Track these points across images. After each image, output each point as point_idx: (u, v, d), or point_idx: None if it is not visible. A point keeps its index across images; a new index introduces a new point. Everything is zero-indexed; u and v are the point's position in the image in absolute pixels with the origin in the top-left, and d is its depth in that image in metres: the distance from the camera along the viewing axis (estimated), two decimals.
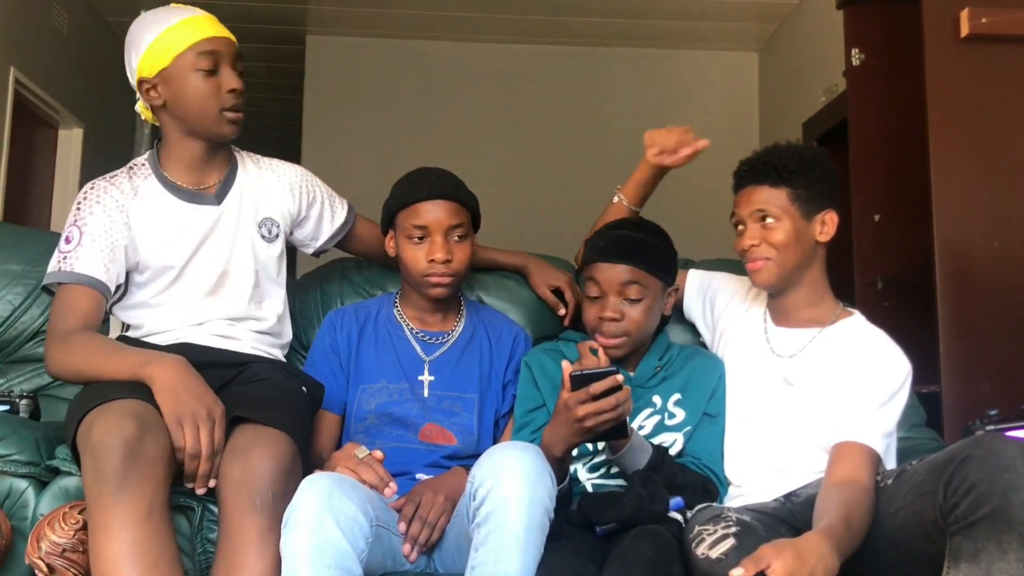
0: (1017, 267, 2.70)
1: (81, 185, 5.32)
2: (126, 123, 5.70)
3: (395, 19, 5.37)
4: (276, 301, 1.95)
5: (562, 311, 2.15)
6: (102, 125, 5.27)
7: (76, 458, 1.54)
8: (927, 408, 2.23)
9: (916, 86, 2.78)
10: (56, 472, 1.58)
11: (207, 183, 1.88)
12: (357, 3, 5.19)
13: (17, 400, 1.87)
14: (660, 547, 1.55)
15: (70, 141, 4.96)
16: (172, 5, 1.89)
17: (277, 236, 1.95)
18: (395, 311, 2.01)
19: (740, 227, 1.86)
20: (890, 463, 1.74)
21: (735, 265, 2.15)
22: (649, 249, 1.89)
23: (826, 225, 1.85)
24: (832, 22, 3.83)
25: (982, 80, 2.73)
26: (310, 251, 2.10)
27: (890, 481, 1.58)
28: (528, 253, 2.25)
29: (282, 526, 1.45)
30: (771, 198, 1.82)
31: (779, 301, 1.90)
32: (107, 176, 1.85)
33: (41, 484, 1.57)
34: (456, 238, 1.89)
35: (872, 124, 3.54)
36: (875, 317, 1.94)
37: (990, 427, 1.89)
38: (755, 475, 1.80)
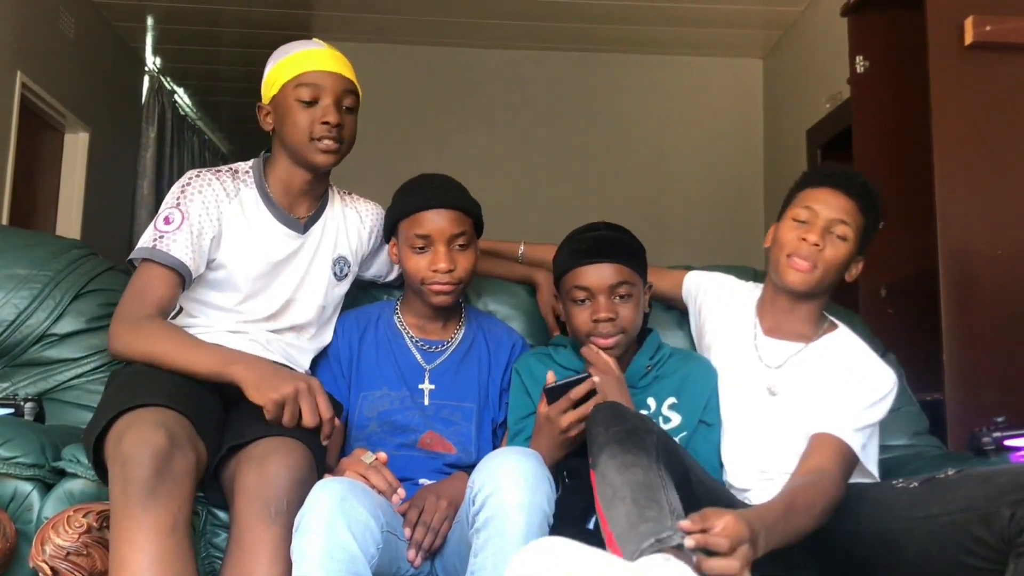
0: (1021, 275, 2.70)
1: (87, 190, 5.38)
2: (132, 128, 5.74)
3: (400, 25, 5.38)
4: (324, 338, 2.00)
5: (557, 334, 2.12)
6: (108, 130, 5.29)
7: (94, 460, 1.55)
8: (930, 416, 2.24)
9: (920, 94, 2.77)
10: (61, 474, 1.58)
11: (299, 212, 1.93)
12: (362, 9, 5.21)
13: (22, 403, 1.87)
14: None
15: (76, 145, 4.98)
16: (303, 40, 1.94)
17: (347, 276, 2.01)
18: (395, 318, 2.01)
19: (803, 222, 1.83)
20: (869, 464, 1.76)
21: (736, 271, 2.15)
22: (630, 246, 1.90)
23: (856, 268, 1.86)
24: (836, 29, 3.83)
25: (986, 88, 2.73)
26: (382, 281, 2.17)
27: (916, 484, 1.59)
28: (544, 268, 2.24)
29: (294, 530, 1.46)
30: (855, 217, 1.81)
31: (779, 311, 1.89)
32: (212, 169, 1.91)
33: (46, 487, 1.57)
34: (459, 247, 1.89)
35: (876, 131, 3.54)
36: (879, 324, 1.95)
37: (996, 434, 1.89)
38: (740, 479, 1.81)
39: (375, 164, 5.19)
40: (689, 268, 2.18)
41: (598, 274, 1.84)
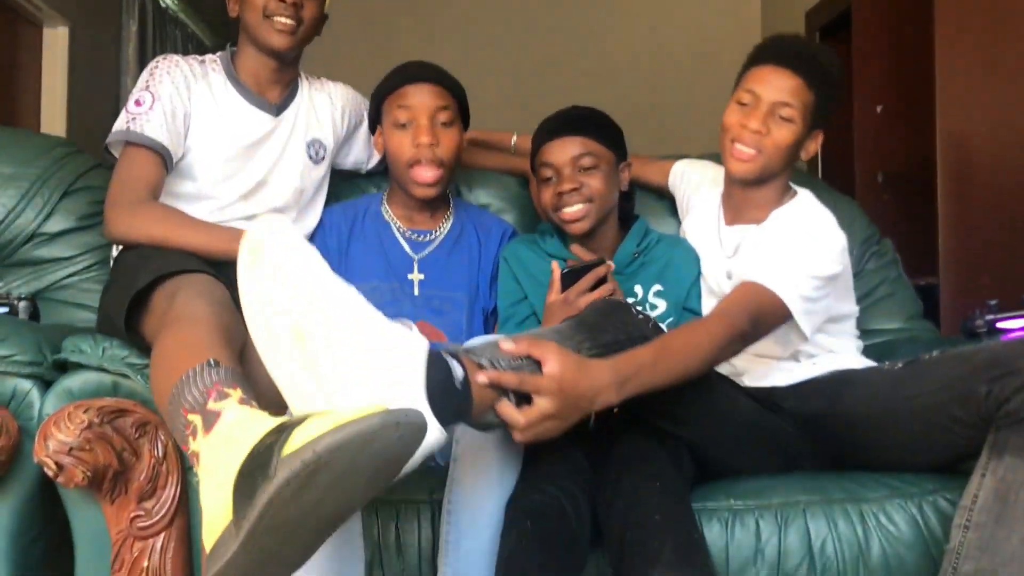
0: (1020, 159, 2.68)
1: (70, 87, 5.25)
2: (112, 22, 5.58)
3: None
4: (307, 223, 1.99)
5: None
6: (88, 24, 5.15)
7: (121, 330, 1.54)
8: (925, 300, 2.25)
9: None
10: (61, 370, 1.59)
11: (270, 98, 1.92)
12: None
13: (16, 302, 1.87)
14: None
15: (56, 41, 4.85)
16: None
17: (323, 159, 1.99)
18: (383, 209, 2.00)
19: (746, 105, 1.75)
20: (803, 320, 1.65)
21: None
22: (597, 121, 1.90)
23: (813, 144, 1.79)
24: None
25: None
26: (364, 171, 2.15)
27: (900, 365, 1.59)
28: None
29: None
30: (801, 95, 1.72)
31: (735, 199, 1.85)
32: (179, 54, 1.92)
33: (45, 384, 1.58)
34: (442, 123, 1.88)
35: (876, 13, 3.47)
36: (875, 210, 1.94)
37: (988, 317, 1.90)
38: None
39: (356, 52, 5.08)
40: (681, 157, 2.15)
41: (561, 149, 1.85)
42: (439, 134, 1.86)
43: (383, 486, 1.14)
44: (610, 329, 1.45)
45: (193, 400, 1.20)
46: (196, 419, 1.18)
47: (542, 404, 1.30)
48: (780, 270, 1.63)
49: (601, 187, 1.85)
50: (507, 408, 1.30)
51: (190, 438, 1.19)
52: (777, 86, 1.72)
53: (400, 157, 1.88)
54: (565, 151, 1.84)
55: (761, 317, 1.57)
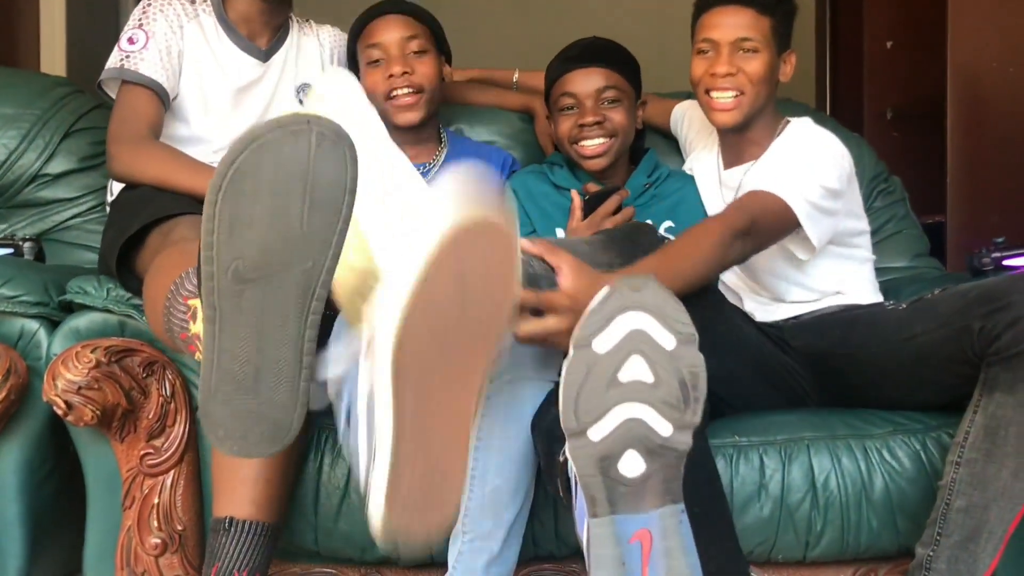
0: None
1: (69, 25, 5.19)
2: None
3: None
4: None
5: None
6: None
7: (116, 270, 1.56)
8: (932, 238, 2.24)
9: None
10: (67, 310, 1.59)
11: (260, 43, 1.90)
12: None
13: (21, 243, 1.87)
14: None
15: None
16: None
17: None
18: None
19: (707, 53, 1.75)
20: (812, 229, 1.63)
21: None
22: (621, 54, 1.88)
23: (787, 66, 1.78)
24: None
25: None
26: None
27: (904, 306, 1.58)
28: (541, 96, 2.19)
29: None
30: (757, 25, 1.72)
31: (732, 142, 1.83)
32: None
33: (52, 324, 1.59)
34: (414, 52, 1.89)
35: None
36: (884, 148, 1.92)
37: (995, 255, 1.89)
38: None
39: None
40: (684, 98, 2.13)
41: (585, 79, 1.82)
42: (412, 63, 1.88)
43: (331, 216, 1.05)
44: (640, 250, 1.44)
45: (193, 287, 1.19)
46: (197, 302, 1.15)
47: (550, 322, 1.28)
48: (784, 178, 1.61)
49: (624, 122, 1.84)
50: (534, 324, 1.28)
51: (189, 322, 1.18)
52: (730, 25, 1.72)
53: (376, 93, 1.87)
54: (589, 82, 1.82)
55: (762, 217, 1.55)
